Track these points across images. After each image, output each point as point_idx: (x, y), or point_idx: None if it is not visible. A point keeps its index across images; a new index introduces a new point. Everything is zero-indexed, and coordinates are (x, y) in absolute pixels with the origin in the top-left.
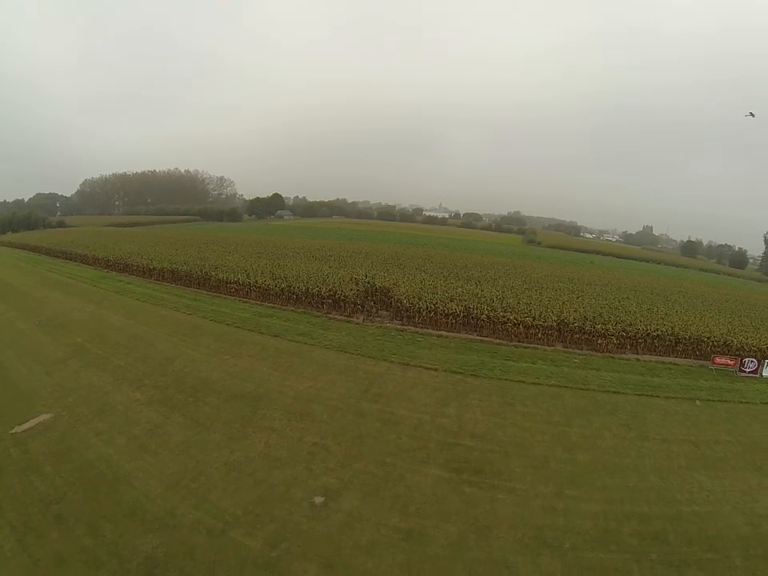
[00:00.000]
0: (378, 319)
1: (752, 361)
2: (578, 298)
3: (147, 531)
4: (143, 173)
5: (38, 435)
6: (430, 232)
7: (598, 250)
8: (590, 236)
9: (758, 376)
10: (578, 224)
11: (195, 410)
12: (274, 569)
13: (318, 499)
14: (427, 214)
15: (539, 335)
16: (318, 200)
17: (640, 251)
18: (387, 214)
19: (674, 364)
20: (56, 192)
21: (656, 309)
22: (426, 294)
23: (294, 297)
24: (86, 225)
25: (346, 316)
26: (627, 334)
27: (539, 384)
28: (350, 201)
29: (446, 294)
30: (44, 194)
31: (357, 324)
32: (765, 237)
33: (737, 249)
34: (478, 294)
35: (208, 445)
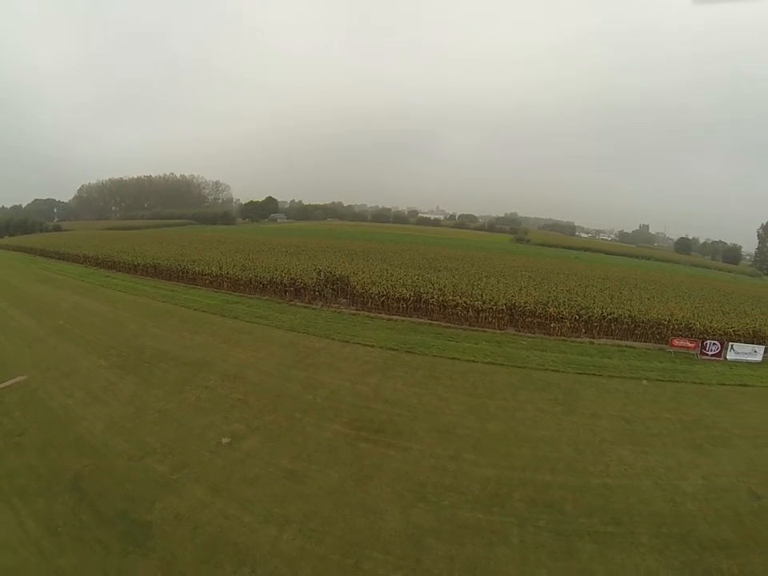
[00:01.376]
0: (336, 305)
1: (714, 344)
2: (537, 285)
3: (82, 455)
4: (139, 178)
5: (12, 391)
6: (419, 232)
7: (586, 247)
8: (586, 235)
9: (721, 359)
10: (576, 224)
11: (147, 373)
12: (170, 487)
13: (225, 440)
14: (422, 216)
15: (489, 319)
16: (313, 203)
17: (630, 248)
18: (381, 216)
19: (631, 347)
20: (53, 198)
21: (618, 295)
22: (381, 280)
23: (261, 286)
24: (81, 229)
25: (307, 303)
26: (581, 317)
27: (474, 361)
28: (346, 204)
29: (400, 281)
30: (41, 199)
31: (314, 309)
32: (758, 232)
33: (730, 245)
34: (433, 280)
35: (149, 398)
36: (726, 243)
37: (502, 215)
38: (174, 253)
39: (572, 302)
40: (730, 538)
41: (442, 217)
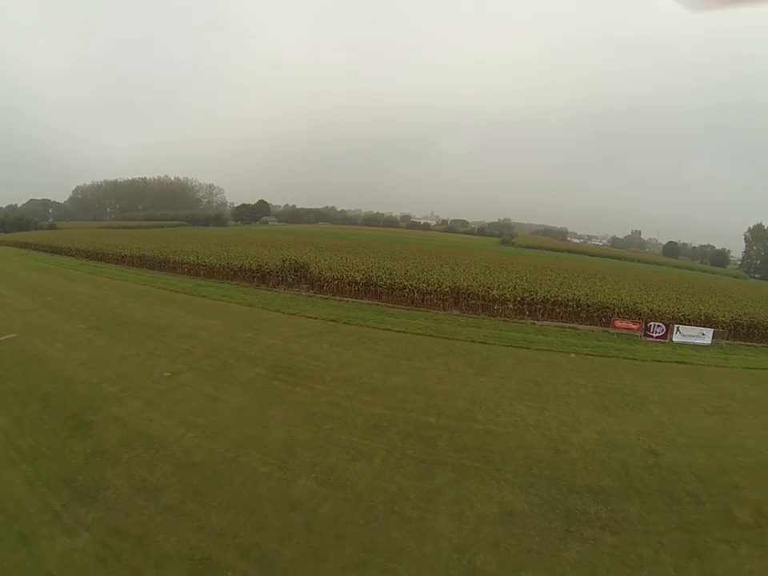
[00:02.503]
0: (297, 289)
1: (659, 325)
2: (489, 273)
3: (53, 382)
4: (134, 180)
5: (3, 344)
6: (406, 235)
7: (570, 249)
8: (578, 241)
9: (666, 341)
10: (569, 230)
11: (118, 333)
12: (115, 401)
13: (167, 374)
14: (414, 220)
15: (434, 300)
16: (306, 207)
17: (618, 252)
18: (372, 219)
19: (574, 329)
20: (49, 198)
21: (568, 282)
22: (337, 266)
23: (232, 272)
24: (76, 229)
25: (271, 287)
26: (524, 300)
27: (404, 332)
28: (339, 209)
29: (354, 267)
30: (37, 200)
31: (276, 292)
32: (745, 235)
33: (719, 249)
34: (386, 267)
35: (115, 348)
36: (714, 247)
37: (496, 221)
38: (159, 246)
39: (517, 287)
40: (609, 486)
41: (433, 222)
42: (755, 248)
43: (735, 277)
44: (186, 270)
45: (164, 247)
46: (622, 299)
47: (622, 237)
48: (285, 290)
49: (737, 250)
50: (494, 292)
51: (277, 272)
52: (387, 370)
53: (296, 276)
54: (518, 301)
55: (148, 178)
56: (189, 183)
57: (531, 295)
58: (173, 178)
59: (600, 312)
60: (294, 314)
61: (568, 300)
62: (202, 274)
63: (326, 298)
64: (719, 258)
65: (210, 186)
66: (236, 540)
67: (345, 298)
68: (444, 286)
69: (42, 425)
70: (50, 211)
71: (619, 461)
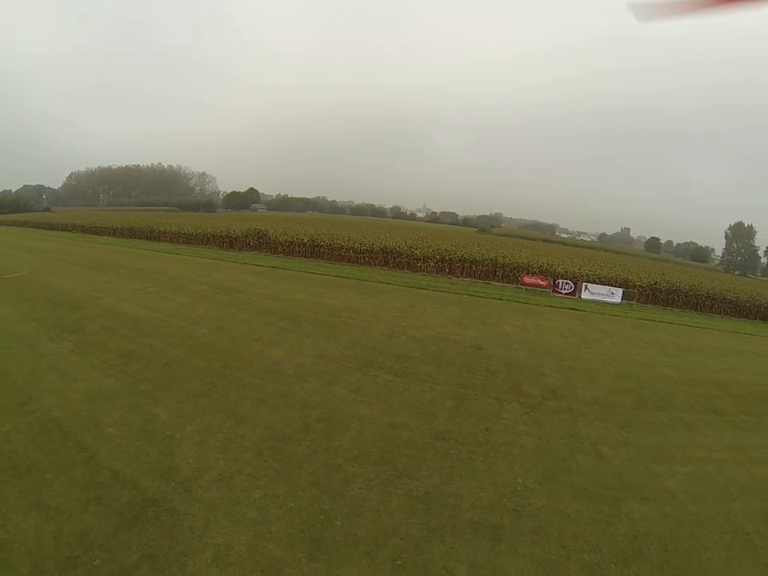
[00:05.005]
0: (257, 252)
1: (567, 282)
2: (423, 240)
3: (55, 292)
4: (127, 167)
5: (17, 278)
6: (386, 222)
7: (546, 239)
8: (566, 236)
9: (576, 297)
10: (560, 225)
11: (105, 271)
12: (97, 299)
13: (137, 287)
14: (402, 212)
15: (367, 259)
16: (297, 196)
17: (598, 244)
18: (360, 210)
19: (487, 284)
20: (43, 184)
21: (496, 249)
22: (290, 233)
23: (206, 239)
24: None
25: (237, 250)
26: (444, 258)
27: (326, 275)
28: (329, 199)
29: (306, 233)
30: (31, 185)
31: (240, 253)
32: (725, 233)
33: (702, 246)
34: (334, 234)
35: (102, 278)
36: (696, 244)
37: (488, 214)
38: (147, 220)
39: (440, 249)
40: (415, 356)
41: (423, 214)
42: (735, 245)
43: (708, 270)
44: (169, 238)
45: (151, 221)
46: (537, 260)
47: (610, 234)
48: (248, 252)
49: (721, 248)
50: (417, 251)
51: (243, 238)
52: (295, 291)
53: (259, 241)
54: (439, 259)
55: (141, 165)
56: (182, 171)
57: (450, 255)
58: (166, 166)
59: (515, 272)
60: (245, 264)
61: (485, 260)
62: (181, 241)
63: (277, 257)
64: (700, 254)
65: (203, 174)
66: (154, 349)
67: (294, 258)
68: (375, 246)
69: (47, 308)
70: (44, 197)
71: (439, 346)
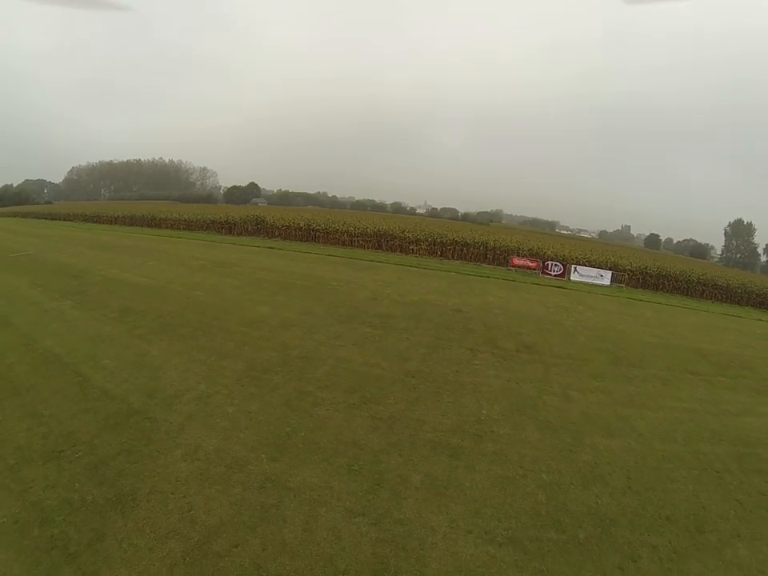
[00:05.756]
0: (255, 236)
1: (556, 264)
2: (417, 225)
3: (59, 265)
4: (129, 161)
5: (23, 256)
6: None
7: (545, 233)
8: (566, 232)
9: (565, 279)
10: (561, 222)
11: (109, 250)
12: (99, 270)
13: (138, 262)
14: (402, 207)
15: (361, 242)
16: (297, 191)
17: (598, 240)
18: (360, 205)
19: (478, 266)
20: (44, 179)
21: (487, 233)
22: (287, 218)
23: (206, 224)
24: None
25: (236, 235)
26: (436, 241)
27: (319, 254)
28: (330, 194)
29: (302, 219)
30: (32, 180)
31: (237, 237)
32: (725, 230)
33: (702, 243)
34: (330, 219)
35: (104, 255)
36: (696, 241)
37: (488, 211)
38: (147, 209)
39: (432, 232)
40: (396, 315)
41: (424, 210)
42: (734, 243)
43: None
44: (169, 225)
45: (152, 209)
46: (527, 244)
47: (611, 231)
48: (246, 236)
49: (720, 246)
50: (409, 234)
51: (241, 223)
52: (290, 266)
53: (257, 227)
54: (431, 242)
55: (143, 159)
56: (183, 166)
57: (442, 238)
58: (167, 161)
59: (506, 254)
60: (243, 245)
61: (476, 243)
62: (182, 227)
63: (275, 241)
64: (699, 251)
65: (204, 169)
66: (151, 305)
67: (291, 242)
68: (369, 230)
69: (52, 276)
70: (45, 191)
71: (421, 308)
